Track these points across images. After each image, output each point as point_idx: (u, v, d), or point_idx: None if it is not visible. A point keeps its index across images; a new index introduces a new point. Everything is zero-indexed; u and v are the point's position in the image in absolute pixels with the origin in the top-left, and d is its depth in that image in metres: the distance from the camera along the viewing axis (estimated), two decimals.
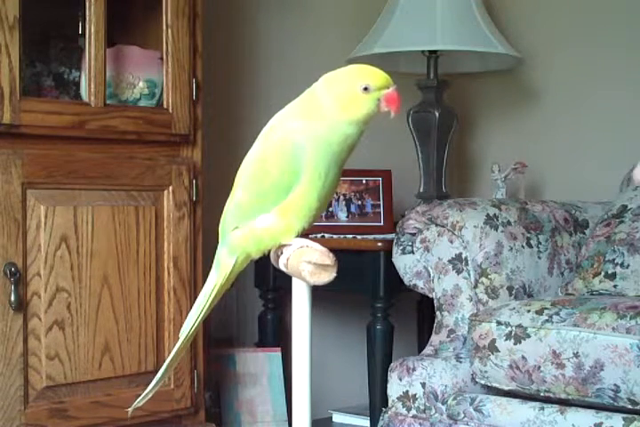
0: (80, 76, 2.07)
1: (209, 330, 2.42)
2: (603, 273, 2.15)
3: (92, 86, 1.93)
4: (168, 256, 2.05)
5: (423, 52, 2.72)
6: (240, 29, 2.70)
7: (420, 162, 2.76)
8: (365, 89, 0.99)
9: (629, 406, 1.77)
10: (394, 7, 2.67)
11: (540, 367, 1.86)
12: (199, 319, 1.07)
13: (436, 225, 2.17)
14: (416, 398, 2.06)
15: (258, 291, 2.65)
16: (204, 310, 1.07)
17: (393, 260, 2.24)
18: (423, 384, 2.05)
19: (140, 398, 1.09)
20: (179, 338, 1.07)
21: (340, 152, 1.01)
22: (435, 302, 2.18)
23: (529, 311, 1.93)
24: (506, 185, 2.77)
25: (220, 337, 2.57)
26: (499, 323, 1.95)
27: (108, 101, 1.96)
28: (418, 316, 2.97)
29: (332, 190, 1.02)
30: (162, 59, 2.07)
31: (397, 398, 2.09)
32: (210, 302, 1.07)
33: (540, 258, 2.22)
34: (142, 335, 2.01)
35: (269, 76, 2.75)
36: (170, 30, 2.06)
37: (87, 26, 1.93)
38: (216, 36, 2.56)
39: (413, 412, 2.07)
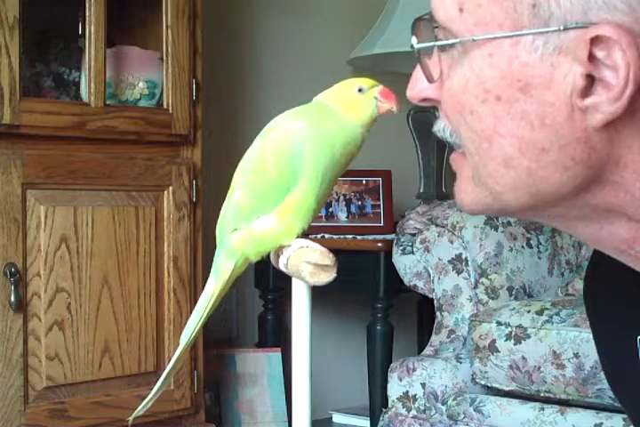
0: (80, 77, 2.07)
1: (209, 330, 2.42)
2: None
3: (92, 86, 1.93)
4: (168, 257, 2.05)
5: None
6: (240, 29, 2.70)
7: (419, 162, 2.75)
8: (360, 90, 1.00)
9: None
10: (394, 7, 2.67)
11: (540, 368, 1.86)
12: (199, 325, 1.06)
13: (437, 225, 2.17)
14: (416, 399, 2.06)
15: (258, 291, 2.65)
16: (204, 316, 1.06)
17: (393, 260, 2.24)
18: (423, 385, 2.05)
19: (141, 406, 1.08)
20: (179, 344, 1.06)
21: (341, 153, 1.00)
22: (435, 302, 2.18)
23: (529, 312, 1.93)
24: None
25: (219, 337, 2.57)
26: (499, 323, 1.94)
27: (107, 102, 1.96)
28: (418, 316, 2.97)
29: (329, 191, 1.02)
30: (162, 59, 2.07)
31: (397, 399, 2.09)
32: (209, 308, 1.06)
33: (540, 258, 2.22)
34: (142, 336, 2.00)
35: (269, 77, 2.75)
36: (170, 30, 2.06)
37: (87, 26, 1.92)
38: (216, 36, 2.56)
39: (413, 412, 2.06)
